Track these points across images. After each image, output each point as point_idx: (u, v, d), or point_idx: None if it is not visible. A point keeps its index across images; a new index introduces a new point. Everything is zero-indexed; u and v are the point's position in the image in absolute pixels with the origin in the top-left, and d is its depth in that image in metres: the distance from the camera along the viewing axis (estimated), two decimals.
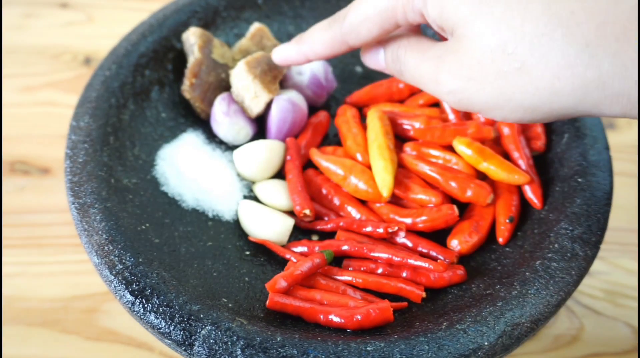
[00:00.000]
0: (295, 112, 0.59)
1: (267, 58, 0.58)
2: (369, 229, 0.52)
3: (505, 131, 0.55)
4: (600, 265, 0.62)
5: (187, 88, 0.59)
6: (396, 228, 0.51)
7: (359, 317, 0.44)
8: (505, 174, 0.52)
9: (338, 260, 0.52)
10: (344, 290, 0.48)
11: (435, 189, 0.53)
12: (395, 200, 0.55)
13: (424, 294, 0.48)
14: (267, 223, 0.53)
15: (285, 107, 0.58)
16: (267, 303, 0.46)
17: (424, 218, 0.52)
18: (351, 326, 0.44)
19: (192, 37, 0.60)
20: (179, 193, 0.55)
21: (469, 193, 0.52)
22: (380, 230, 0.51)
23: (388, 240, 0.52)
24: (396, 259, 0.49)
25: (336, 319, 0.44)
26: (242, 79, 0.57)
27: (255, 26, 0.63)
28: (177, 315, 0.42)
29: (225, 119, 0.58)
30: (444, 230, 0.53)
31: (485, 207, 0.53)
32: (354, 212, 0.54)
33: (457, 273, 0.49)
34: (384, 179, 0.52)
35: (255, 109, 0.58)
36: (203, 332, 0.41)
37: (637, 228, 0.64)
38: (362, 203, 0.55)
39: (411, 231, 0.52)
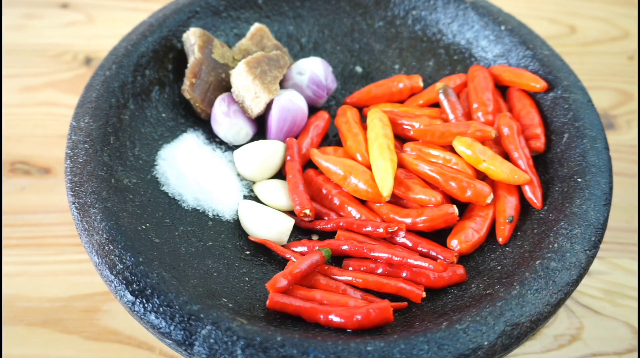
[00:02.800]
0: (295, 112, 0.59)
1: (267, 58, 0.58)
2: (369, 229, 0.52)
3: (505, 131, 0.55)
4: (600, 264, 0.62)
5: (187, 88, 0.59)
6: (396, 228, 0.51)
7: (359, 317, 0.44)
8: (505, 174, 0.52)
9: (338, 260, 0.52)
10: (344, 289, 0.48)
11: (435, 189, 0.53)
12: (395, 200, 0.55)
13: (424, 294, 0.48)
14: (267, 223, 0.53)
15: (285, 107, 0.58)
16: (267, 302, 0.46)
17: (424, 218, 0.52)
18: (351, 326, 0.44)
19: (192, 38, 0.60)
20: (179, 193, 0.55)
21: (469, 193, 0.52)
22: (380, 230, 0.51)
23: (388, 240, 0.53)
24: (396, 259, 0.49)
25: (336, 319, 0.44)
26: (243, 79, 0.57)
27: (255, 26, 0.63)
28: (177, 315, 0.42)
29: (225, 119, 0.58)
30: (444, 229, 0.53)
31: (485, 207, 0.53)
32: (354, 212, 0.54)
33: (457, 273, 0.50)
34: (384, 179, 0.52)
35: (256, 109, 0.58)
36: (203, 331, 0.41)
37: (637, 228, 0.64)
38: (362, 203, 0.55)
39: (411, 231, 0.52)
